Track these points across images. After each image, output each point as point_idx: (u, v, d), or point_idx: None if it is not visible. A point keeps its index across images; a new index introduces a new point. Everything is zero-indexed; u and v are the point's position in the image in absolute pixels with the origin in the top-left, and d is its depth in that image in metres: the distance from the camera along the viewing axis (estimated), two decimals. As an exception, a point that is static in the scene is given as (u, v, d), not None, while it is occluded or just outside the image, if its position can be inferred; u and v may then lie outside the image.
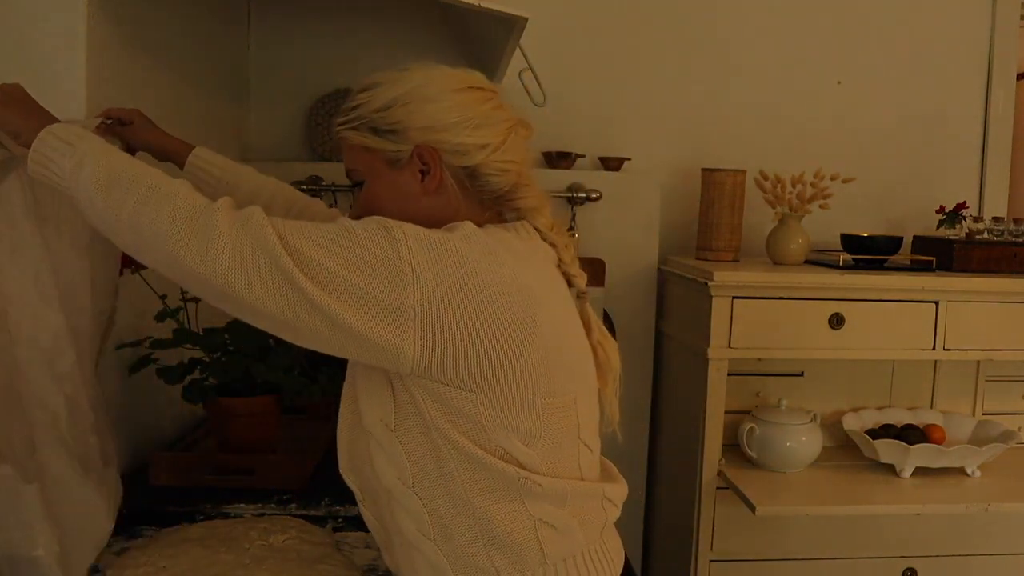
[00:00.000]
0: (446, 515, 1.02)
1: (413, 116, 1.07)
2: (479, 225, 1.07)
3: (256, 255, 0.91)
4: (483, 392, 0.98)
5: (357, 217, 1.14)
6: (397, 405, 1.01)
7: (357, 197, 1.13)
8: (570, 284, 1.16)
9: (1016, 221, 2.21)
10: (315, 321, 0.93)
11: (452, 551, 1.02)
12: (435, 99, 1.07)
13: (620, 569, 1.13)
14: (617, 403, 1.19)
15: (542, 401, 1.01)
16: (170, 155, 1.35)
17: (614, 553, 1.13)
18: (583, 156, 2.34)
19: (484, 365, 0.97)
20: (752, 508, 1.85)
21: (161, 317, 1.50)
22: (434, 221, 1.06)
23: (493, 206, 1.12)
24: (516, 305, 0.97)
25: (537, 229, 1.13)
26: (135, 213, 0.95)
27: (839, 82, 2.47)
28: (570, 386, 1.05)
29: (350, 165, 1.13)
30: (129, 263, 1.47)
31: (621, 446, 2.44)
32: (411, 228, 0.96)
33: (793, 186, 2.21)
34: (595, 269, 2.20)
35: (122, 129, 1.31)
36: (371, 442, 1.04)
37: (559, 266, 1.14)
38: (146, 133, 1.34)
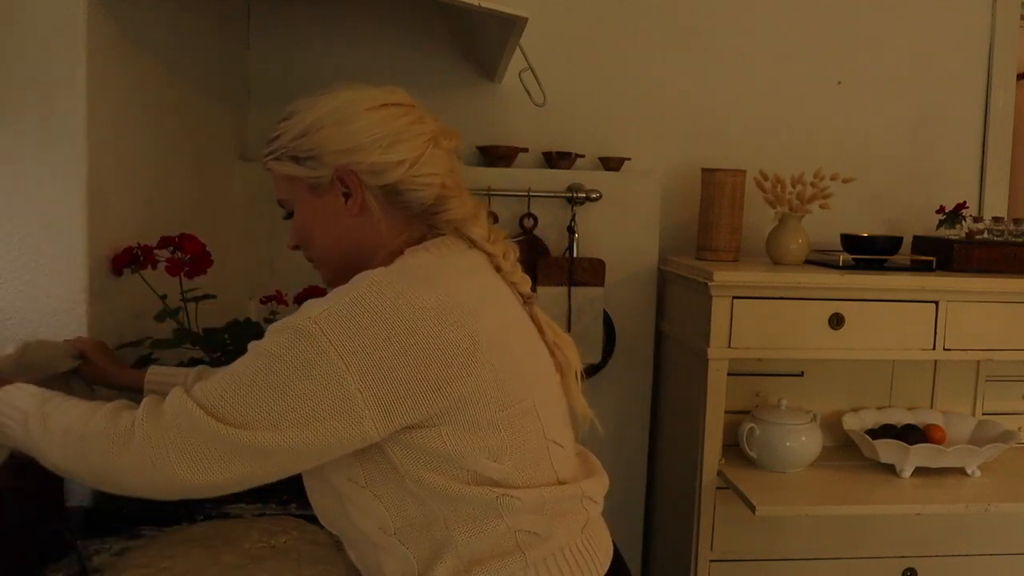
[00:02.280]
0: (430, 554, 1.02)
1: (328, 140, 1.07)
2: (404, 244, 1.08)
3: (198, 444, 0.93)
4: (445, 424, 0.98)
5: (294, 246, 1.16)
6: (364, 463, 1.00)
7: (291, 227, 1.15)
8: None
9: (1016, 221, 2.21)
10: (282, 461, 0.95)
11: None
12: (348, 120, 1.07)
13: (607, 563, 1.12)
14: (583, 398, 1.18)
15: (501, 414, 1.01)
16: (129, 385, 1.32)
17: (599, 548, 1.12)
18: (583, 156, 2.34)
19: (438, 399, 0.96)
20: (752, 508, 1.85)
21: (161, 317, 1.50)
22: (362, 243, 1.09)
23: (421, 222, 1.11)
24: (450, 330, 0.96)
25: (472, 240, 1.12)
26: (62, 460, 1.00)
27: (839, 82, 2.47)
28: (525, 391, 1.04)
29: (279, 195, 1.14)
30: (127, 262, 1.47)
31: (622, 447, 2.44)
32: (319, 312, 0.94)
33: (793, 186, 2.21)
34: (595, 269, 2.20)
35: (85, 370, 1.30)
36: (343, 499, 1.04)
37: (503, 276, 1.14)
38: (104, 374, 1.31)
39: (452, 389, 0.97)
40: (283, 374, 0.93)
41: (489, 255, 1.13)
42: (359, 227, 1.10)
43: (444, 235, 1.11)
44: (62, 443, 1.00)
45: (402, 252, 1.08)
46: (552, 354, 1.15)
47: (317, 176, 1.08)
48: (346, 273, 1.03)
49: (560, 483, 1.08)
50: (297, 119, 1.10)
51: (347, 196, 1.09)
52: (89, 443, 0.98)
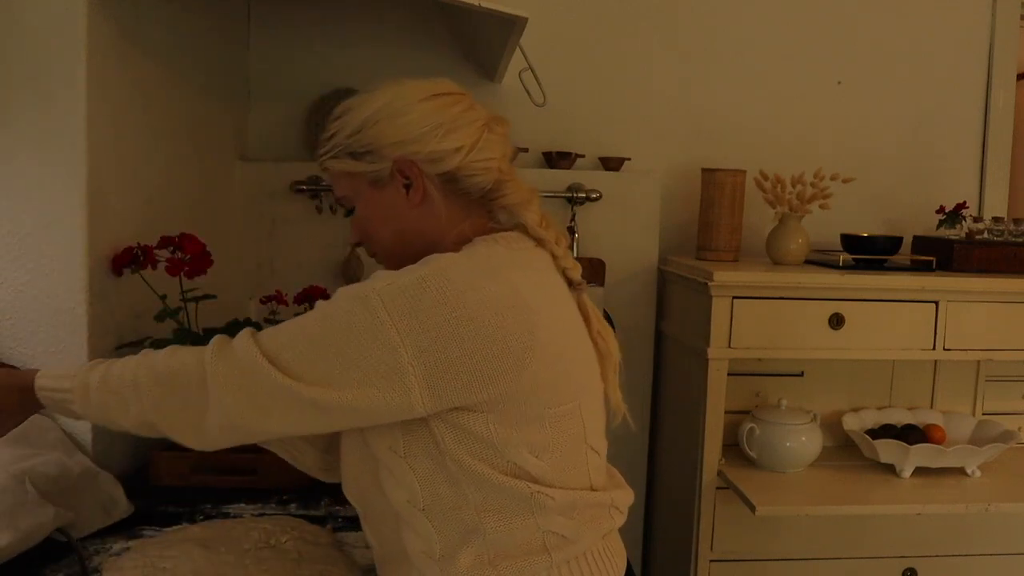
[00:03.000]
0: (455, 537, 1.02)
1: (384, 133, 1.08)
2: (468, 231, 1.09)
3: (261, 390, 0.97)
4: (493, 411, 0.98)
5: (357, 243, 1.18)
6: (407, 434, 1.01)
7: (352, 223, 1.16)
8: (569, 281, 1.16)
9: (1016, 221, 2.21)
10: (334, 417, 0.98)
11: (456, 571, 1.02)
12: (403, 112, 1.09)
13: (623, 571, 1.13)
14: (620, 392, 1.19)
15: (549, 411, 1.02)
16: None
17: (616, 556, 1.13)
18: (583, 156, 2.34)
19: (490, 388, 0.97)
20: (752, 508, 1.85)
21: (161, 317, 1.51)
22: (425, 233, 1.10)
23: (480, 208, 1.12)
24: (511, 323, 0.97)
25: (525, 224, 1.12)
26: (140, 413, 1.04)
27: (839, 82, 2.47)
28: (574, 392, 1.05)
29: (339, 193, 1.16)
30: (127, 262, 1.47)
31: (621, 447, 2.44)
32: (384, 285, 0.96)
33: (793, 186, 2.20)
34: (595, 269, 2.20)
35: None
36: (379, 467, 1.05)
37: (555, 262, 1.14)
38: None
39: (504, 381, 0.97)
40: (340, 338, 0.95)
41: (541, 240, 1.13)
42: (421, 217, 1.11)
43: (512, 231, 1.12)
44: (136, 397, 1.03)
45: (470, 240, 1.09)
46: (595, 344, 1.16)
47: (377, 169, 1.10)
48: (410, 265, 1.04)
49: (592, 489, 1.09)
50: (351, 116, 1.11)
51: (408, 187, 1.10)
52: (167, 389, 1.02)
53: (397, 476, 1.03)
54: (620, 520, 1.15)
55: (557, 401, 1.02)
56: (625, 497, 1.15)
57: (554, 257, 1.14)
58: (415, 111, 1.08)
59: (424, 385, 0.94)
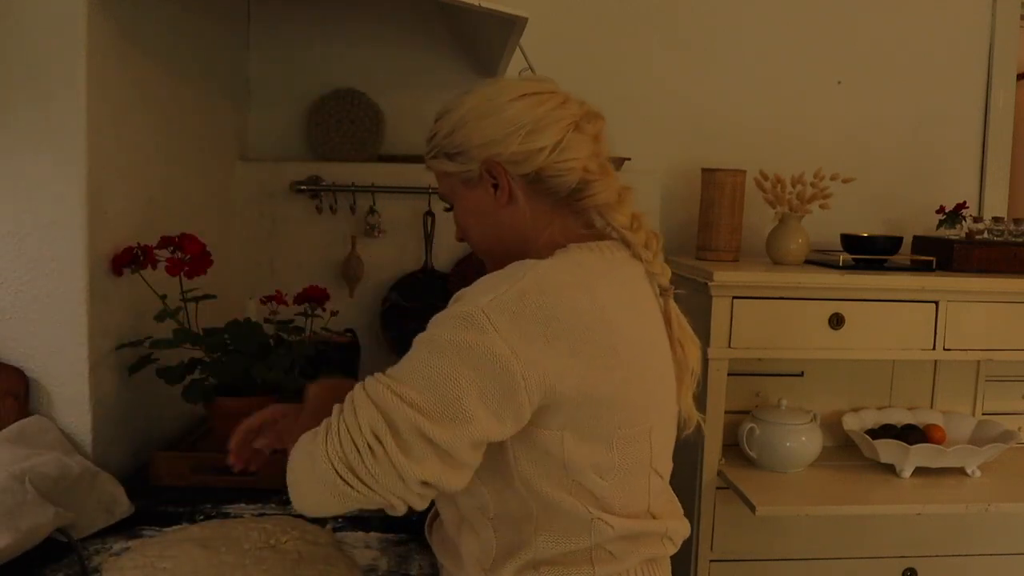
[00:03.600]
0: (511, 547, 1.03)
1: (472, 135, 1.10)
2: (559, 235, 1.09)
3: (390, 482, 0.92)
4: (568, 428, 0.99)
5: (461, 239, 1.19)
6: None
7: (454, 220, 1.18)
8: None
9: (1016, 221, 2.21)
10: (475, 458, 0.95)
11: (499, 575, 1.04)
12: (489, 114, 1.09)
13: None
14: (692, 401, 1.18)
15: (619, 432, 1.02)
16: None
17: None
18: (583, 156, 2.33)
19: (571, 401, 0.97)
20: (752, 508, 1.85)
21: (161, 317, 1.51)
22: (516, 232, 1.11)
23: (568, 208, 1.12)
24: (597, 335, 0.97)
25: (613, 226, 1.12)
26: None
27: (839, 82, 2.47)
28: (647, 414, 1.05)
29: (440, 191, 1.18)
30: (127, 262, 1.47)
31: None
32: (487, 300, 0.95)
33: (793, 186, 2.20)
34: (595, 269, 2.19)
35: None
36: None
37: (644, 267, 1.13)
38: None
39: (585, 393, 0.97)
40: (455, 363, 0.92)
41: (628, 243, 1.12)
42: (511, 216, 1.11)
43: (608, 240, 1.11)
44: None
45: (563, 246, 1.08)
46: (672, 350, 1.15)
47: (467, 170, 1.11)
48: (508, 262, 1.04)
49: (651, 517, 1.10)
50: (447, 117, 1.13)
51: (496, 187, 1.10)
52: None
53: (469, 488, 1.01)
54: (671, 551, 1.15)
55: (628, 422, 1.02)
56: (681, 529, 1.15)
57: (642, 260, 1.13)
58: (503, 112, 1.09)
59: (533, 395, 0.94)
